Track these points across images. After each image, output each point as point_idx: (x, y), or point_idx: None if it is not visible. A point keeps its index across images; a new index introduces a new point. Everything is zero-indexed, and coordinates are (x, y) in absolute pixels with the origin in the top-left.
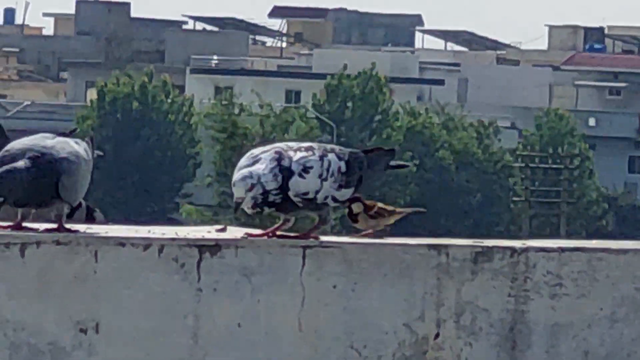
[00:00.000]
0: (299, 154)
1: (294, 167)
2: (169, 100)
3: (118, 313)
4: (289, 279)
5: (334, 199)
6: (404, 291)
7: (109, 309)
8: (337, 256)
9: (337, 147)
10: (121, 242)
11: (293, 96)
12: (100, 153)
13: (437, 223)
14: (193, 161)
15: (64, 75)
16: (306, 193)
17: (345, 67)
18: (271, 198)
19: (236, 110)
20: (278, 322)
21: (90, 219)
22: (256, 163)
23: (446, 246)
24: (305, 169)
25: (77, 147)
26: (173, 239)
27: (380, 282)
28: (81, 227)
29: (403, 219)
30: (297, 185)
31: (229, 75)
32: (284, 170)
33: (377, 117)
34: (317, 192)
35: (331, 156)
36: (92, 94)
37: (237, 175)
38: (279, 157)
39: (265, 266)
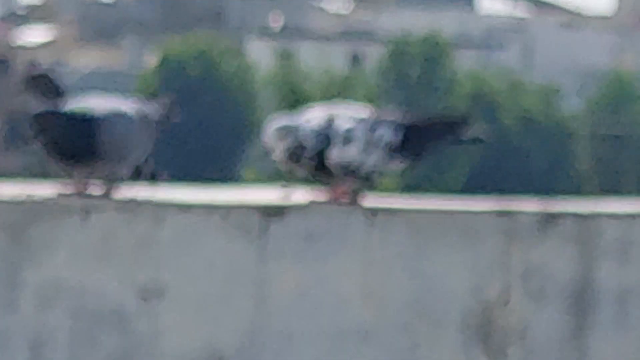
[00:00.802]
0: (349, 123)
1: (338, 134)
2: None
3: (181, 279)
4: (355, 245)
5: (380, 171)
6: (471, 257)
7: (172, 274)
8: (402, 221)
9: (397, 117)
10: (185, 207)
11: (357, 60)
12: (173, 117)
13: (501, 189)
14: (255, 127)
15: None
16: (347, 162)
17: (407, 31)
18: (306, 157)
19: (298, 75)
20: (343, 288)
21: (154, 183)
22: (304, 116)
23: (514, 212)
24: (349, 139)
25: (124, 106)
26: (238, 204)
27: (446, 248)
28: (145, 192)
29: (470, 182)
30: (337, 153)
31: (292, 39)
32: (328, 133)
33: (441, 83)
34: (358, 163)
35: (385, 129)
36: (152, 59)
37: (277, 122)
38: (328, 119)
39: (331, 231)
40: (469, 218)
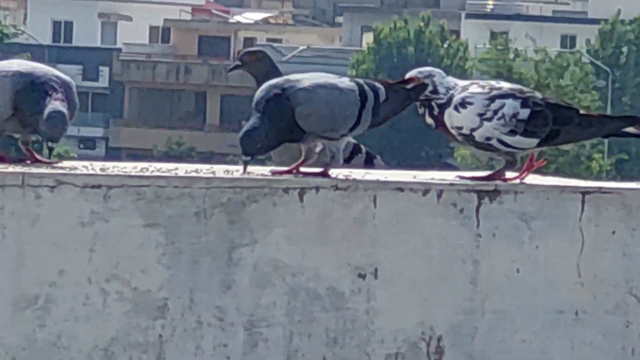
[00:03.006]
0: (472, 90)
1: (454, 99)
2: (445, 46)
3: (396, 258)
4: (568, 225)
5: (503, 143)
6: None
7: (387, 254)
8: (616, 202)
9: (537, 97)
10: (400, 187)
11: (568, 41)
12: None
13: None
14: None
15: (340, 19)
16: (459, 127)
17: (619, 12)
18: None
19: (511, 56)
20: (557, 268)
21: (369, 164)
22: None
23: None
24: (463, 104)
25: (329, 80)
26: (452, 184)
27: None
28: (360, 172)
29: None
30: (449, 116)
31: (505, 20)
32: (447, 99)
33: None
34: (472, 129)
35: (511, 101)
36: (367, 39)
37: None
38: (461, 89)
39: (544, 211)
40: None
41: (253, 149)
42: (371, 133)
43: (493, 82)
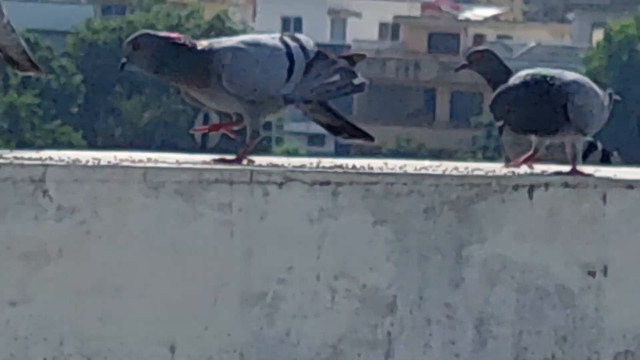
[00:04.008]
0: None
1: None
2: None
3: (626, 256)
4: None
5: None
6: None
7: (617, 252)
8: None
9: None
10: (630, 184)
11: None
12: (617, 97)
13: None
14: None
15: (570, 16)
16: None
17: None
18: None
19: None
20: None
21: (605, 161)
22: None
23: None
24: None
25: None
26: None
27: None
28: (591, 169)
29: None
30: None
31: None
32: None
33: None
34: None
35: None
36: (597, 36)
37: None
38: None
39: None
40: None
41: None
42: (606, 129)
43: None
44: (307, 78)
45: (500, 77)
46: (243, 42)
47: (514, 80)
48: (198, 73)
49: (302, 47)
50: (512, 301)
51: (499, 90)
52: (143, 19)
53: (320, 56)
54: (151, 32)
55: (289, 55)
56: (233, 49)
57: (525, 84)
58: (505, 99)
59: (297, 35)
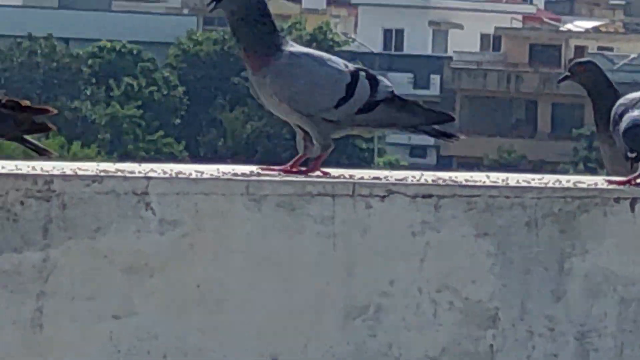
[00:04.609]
0: None
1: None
2: None
3: None
4: None
5: None
6: None
7: None
8: None
9: None
10: None
11: None
12: None
13: None
14: None
15: None
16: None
17: None
18: None
19: None
20: None
21: None
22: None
23: None
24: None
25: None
26: None
27: None
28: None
29: None
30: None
31: None
32: None
33: None
34: None
35: None
36: None
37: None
38: None
39: None
40: None
41: None
42: None
43: None
44: (369, 113)
45: (602, 89)
46: (308, 55)
47: None
48: (259, 49)
49: (373, 84)
50: (614, 313)
51: (632, 122)
52: None
53: (397, 99)
54: None
55: (350, 85)
56: (292, 54)
57: None
58: None
59: (378, 76)
